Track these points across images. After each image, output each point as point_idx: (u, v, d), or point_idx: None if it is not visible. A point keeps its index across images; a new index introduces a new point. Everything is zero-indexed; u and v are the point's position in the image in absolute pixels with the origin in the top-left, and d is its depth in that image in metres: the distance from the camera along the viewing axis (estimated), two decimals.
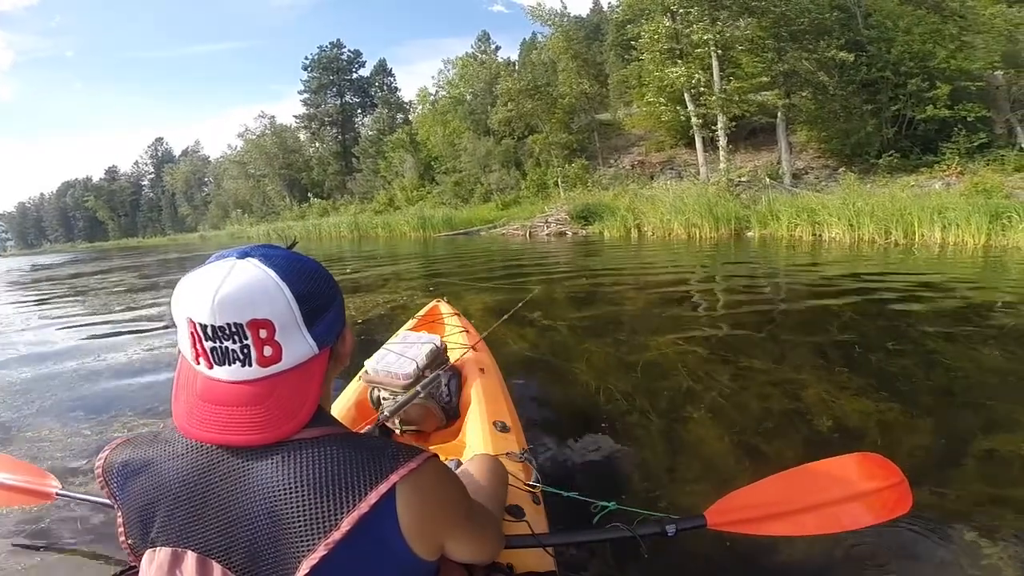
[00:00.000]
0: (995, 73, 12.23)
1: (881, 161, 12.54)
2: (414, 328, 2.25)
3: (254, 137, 37.91)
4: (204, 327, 0.56)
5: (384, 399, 1.60)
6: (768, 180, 13.40)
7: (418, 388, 1.52)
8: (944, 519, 1.43)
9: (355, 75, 39.48)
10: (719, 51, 13.30)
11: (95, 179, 67.05)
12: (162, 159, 59.99)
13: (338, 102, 38.51)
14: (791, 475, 1.04)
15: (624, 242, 11.20)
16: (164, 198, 56.59)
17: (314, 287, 0.61)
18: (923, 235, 8.24)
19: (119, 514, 0.65)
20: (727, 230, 10.59)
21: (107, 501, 0.68)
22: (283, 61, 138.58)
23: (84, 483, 1.80)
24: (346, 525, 0.55)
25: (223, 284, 0.56)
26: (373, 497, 0.56)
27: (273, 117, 38.66)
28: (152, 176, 61.42)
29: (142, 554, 0.63)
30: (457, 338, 2.10)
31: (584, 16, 31.71)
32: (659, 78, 15.12)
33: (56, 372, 3.34)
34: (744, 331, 3.58)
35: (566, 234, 13.73)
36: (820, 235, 9.33)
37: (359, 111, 39.08)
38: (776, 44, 13.02)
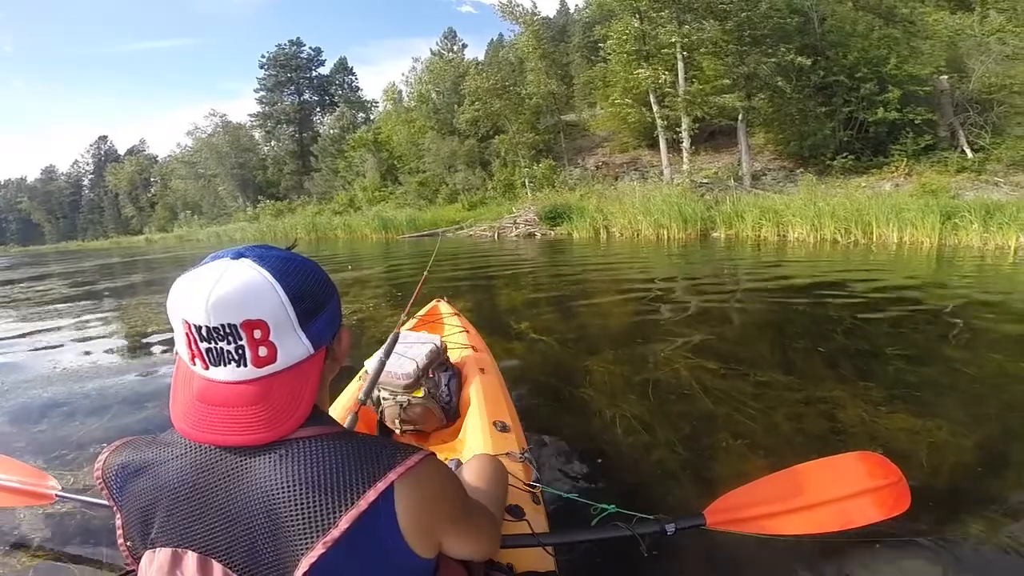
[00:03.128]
0: (940, 78, 12.80)
1: (835, 163, 12.95)
2: (414, 328, 2.23)
3: (205, 136, 36.19)
4: (199, 328, 0.56)
5: (384, 399, 1.59)
6: (733, 182, 13.62)
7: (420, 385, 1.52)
8: (943, 518, 1.44)
9: (314, 73, 38.41)
10: (685, 53, 13.42)
11: (30, 179, 62.96)
12: (105, 158, 56.34)
13: (296, 100, 37.37)
14: (789, 474, 1.03)
15: (594, 243, 11.14)
16: (107, 199, 53.16)
17: (309, 287, 0.60)
18: (881, 235, 8.48)
19: (118, 516, 0.65)
20: (694, 231, 10.66)
21: (106, 502, 0.66)
22: (238, 59, 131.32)
23: (84, 484, 1.77)
24: (345, 523, 0.54)
25: (217, 285, 0.55)
26: (372, 495, 0.56)
27: (225, 115, 37.06)
28: (93, 176, 57.70)
29: (140, 556, 0.63)
30: (457, 338, 2.08)
31: (551, 17, 31.70)
32: (625, 79, 15.16)
33: None
34: (737, 332, 3.57)
35: (535, 235, 13.56)
36: (784, 235, 9.48)
37: (318, 109, 38.05)
38: (738, 47, 13.24)
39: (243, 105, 57.09)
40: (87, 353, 3.82)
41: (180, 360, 0.62)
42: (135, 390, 2.83)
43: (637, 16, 14.17)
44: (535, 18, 20.34)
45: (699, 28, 12.98)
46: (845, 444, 1.87)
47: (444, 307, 2.57)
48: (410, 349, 1.63)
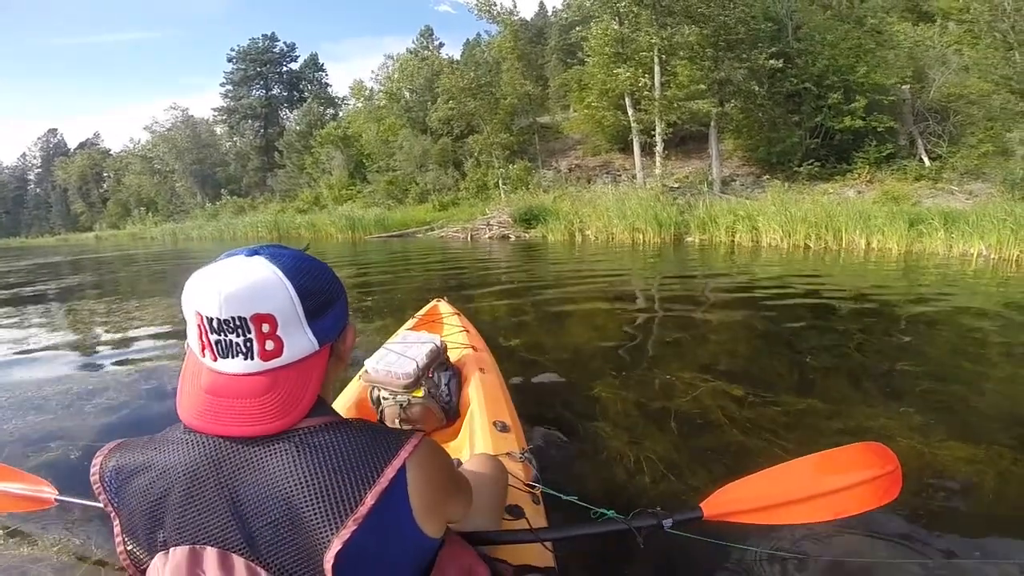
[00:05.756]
0: (903, 87, 13.18)
1: (802, 169, 13.17)
2: (414, 328, 2.23)
3: (163, 130, 34.60)
4: (210, 320, 0.57)
5: (384, 399, 1.60)
6: (706, 187, 13.70)
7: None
8: (939, 508, 1.49)
9: (285, 68, 37.42)
10: (663, 56, 13.42)
11: None
12: (54, 151, 53.20)
13: (263, 94, 36.25)
14: (787, 467, 1.03)
15: (568, 246, 10.97)
16: (55, 194, 50.25)
17: (317, 285, 0.62)
18: (851, 240, 8.60)
19: (116, 522, 0.64)
20: (668, 235, 10.61)
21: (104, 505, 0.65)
22: (202, 54, 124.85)
23: (82, 488, 1.49)
24: (371, 500, 0.56)
25: (230, 279, 0.57)
26: (390, 472, 0.58)
27: (186, 109, 35.58)
28: (40, 170, 54.41)
29: (143, 560, 0.62)
30: (457, 338, 2.08)
31: (528, 20, 31.56)
32: (602, 81, 15.07)
33: None
34: (731, 334, 3.54)
35: (509, 237, 13.30)
36: (758, 240, 9.52)
37: (285, 105, 36.97)
38: (715, 52, 13.31)
39: (207, 100, 55.36)
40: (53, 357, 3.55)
41: (190, 353, 0.62)
42: (94, 388, 2.71)
43: (617, 18, 14.11)
44: (513, 17, 20.10)
45: (678, 32, 12.98)
46: (849, 440, 1.79)
47: (444, 307, 2.56)
48: (410, 349, 1.63)
